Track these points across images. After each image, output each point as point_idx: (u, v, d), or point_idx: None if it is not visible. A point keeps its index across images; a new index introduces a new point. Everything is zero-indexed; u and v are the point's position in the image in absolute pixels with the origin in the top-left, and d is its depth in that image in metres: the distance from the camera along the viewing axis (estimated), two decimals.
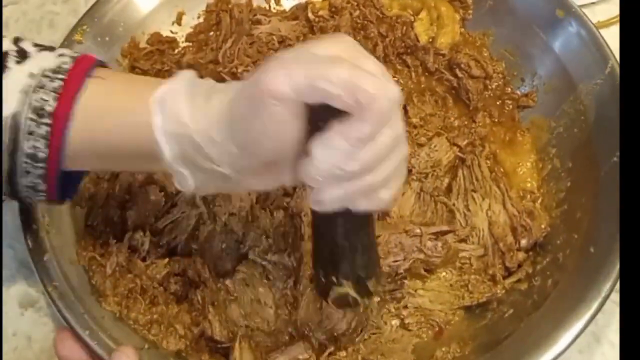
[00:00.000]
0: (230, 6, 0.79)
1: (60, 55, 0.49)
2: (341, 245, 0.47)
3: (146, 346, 0.59)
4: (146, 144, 0.45)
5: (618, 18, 0.79)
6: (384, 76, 0.42)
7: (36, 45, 0.50)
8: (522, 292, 0.62)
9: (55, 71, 0.47)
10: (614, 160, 0.61)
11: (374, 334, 0.61)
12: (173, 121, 0.44)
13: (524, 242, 0.65)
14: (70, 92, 0.46)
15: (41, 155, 0.46)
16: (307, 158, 0.41)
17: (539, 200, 0.68)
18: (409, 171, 0.67)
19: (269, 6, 0.81)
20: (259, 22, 0.79)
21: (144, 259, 0.63)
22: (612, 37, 0.68)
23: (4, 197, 0.50)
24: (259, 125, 0.41)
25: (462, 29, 0.77)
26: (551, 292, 0.59)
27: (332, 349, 0.60)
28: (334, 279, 0.48)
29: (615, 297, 0.62)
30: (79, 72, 0.47)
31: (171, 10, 0.79)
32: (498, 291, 0.63)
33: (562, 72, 0.69)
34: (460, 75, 0.74)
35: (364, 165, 0.41)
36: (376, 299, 0.62)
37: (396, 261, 0.61)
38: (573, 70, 0.68)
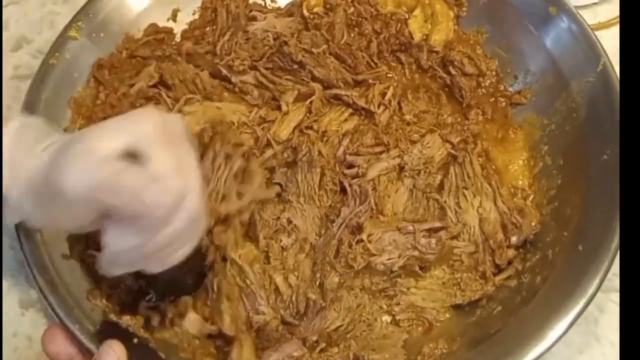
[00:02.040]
0: (226, 1, 0.79)
1: None
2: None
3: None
4: None
5: (619, 19, 0.78)
6: (183, 167, 0.45)
7: None
8: (512, 289, 0.63)
9: None
10: (604, 158, 0.61)
11: (364, 330, 0.61)
12: None
13: (514, 239, 0.65)
14: None
15: None
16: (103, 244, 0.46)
17: (530, 198, 0.68)
18: (402, 168, 0.67)
19: (265, 3, 0.82)
20: (254, 19, 0.79)
21: None
22: (613, 38, 0.68)
23: None
24: (56, 212, 0.46)
25: (456, 27, 0.77)
26: (540, 288, 0.60)
27: (323, 345, 0.60)
28: None
29: (615, 297, 0.63)
30: None
31: (166, 7, 0.79)
32: (489, 288, 0.63)
33: (555, 69, 0.70)
34: (453, 72, 0.74)
35: (160, 247, 0.45)
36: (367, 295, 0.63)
37: (390, 259, 0.61)
38: (565, 68, 0.68)
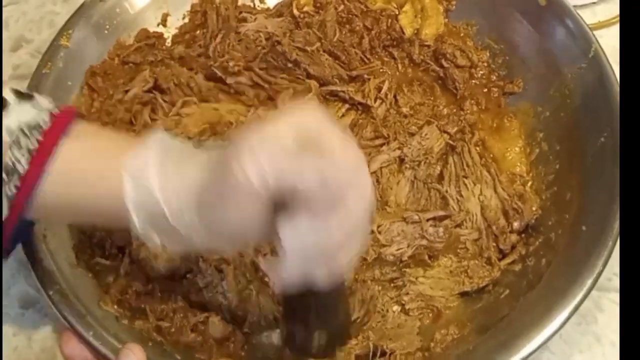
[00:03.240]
0: (216, 4, 0.79)
1: (39, 109, 0.48)
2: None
3: (150, 344, 0.59)
4: (117, 210, 0.46)
5: (618, 18, 0.79)
6: (347, 146, 0.43)
7: (16, 92, 0.49)
8: (517, 273, 0.64)
9: (32, 128, 0.46)
10: (602, 141, 0.63)
11: (379, 321, 0.62)
12: (143, 193, 0.45)
13: (516, 224, 0.66)
14: (43, 156, 0.46)
15: (4, 213, 0.46)
16: (278, 242, 0.42)
17: (529, 184, 0.69)
18: (402, 160, 0.68)
19: (254, 4, 0.82)
20: (244, 20, 0.79)
21: None
22: (612, 37, 0.69)
23: None
24: (226, 214, 0.42)
25: (446, 20, 0.78)
26: (545, 271, 0.61)
27: None
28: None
29: (615, 297, 0.64)
30: (56, 132, 0.47)
31: (156, 12, 0.79)
32: (495, 273, 0.64)
33: (547, 58, 0.71)
34: (446, 65, 0.75)
35: (333, 238, 0.42)
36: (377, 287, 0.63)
37: (400, 249, 0.62)
38: (557, 56, 0.70)
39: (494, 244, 0.66)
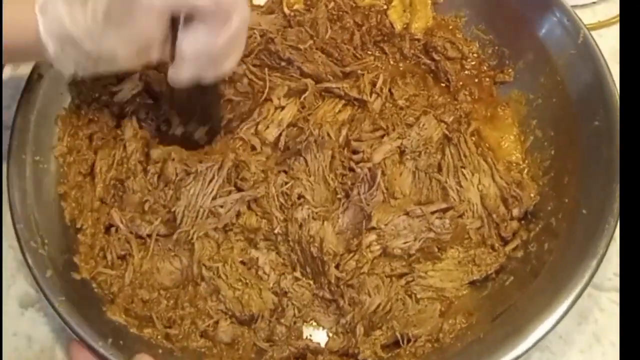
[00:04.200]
0: None
1: None
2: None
3: (160, 351, 0.59)
4: (34, 44, 0.53)
5: (618, 17, 0.79)
6: None
7: None
8: (520, 260, 0.65)
9: None
10: (595, 124, 0.64)
11: (401, 309, 0.62)
12: (55, 24, 0.52)
13: (515, 211, 0.67)
14: None
15: None
16: (177, 50, 0.54)
17: (525, 171, 0.70)
18: (403, 152, 0.68)
19: None
20: None
21: None
22: (612, 37, 0.69)
23: None
24: (131, 28, 0.52)
25: (434, 13, 0.79)
26: (548, 256, 0.61)
27: (362, 330, 0.61)
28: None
29: (615, 297, 0.64)
30: None
31: None
32: (501, 258, 0.64)
33: (536, 45, 0.72)
34: (437, 58, 0.76)
35: (222, 46, 0.54)
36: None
37: (406, 242, 0.62)
38: (547, 43, 0.71)
39: (496, 232, 0.66)
